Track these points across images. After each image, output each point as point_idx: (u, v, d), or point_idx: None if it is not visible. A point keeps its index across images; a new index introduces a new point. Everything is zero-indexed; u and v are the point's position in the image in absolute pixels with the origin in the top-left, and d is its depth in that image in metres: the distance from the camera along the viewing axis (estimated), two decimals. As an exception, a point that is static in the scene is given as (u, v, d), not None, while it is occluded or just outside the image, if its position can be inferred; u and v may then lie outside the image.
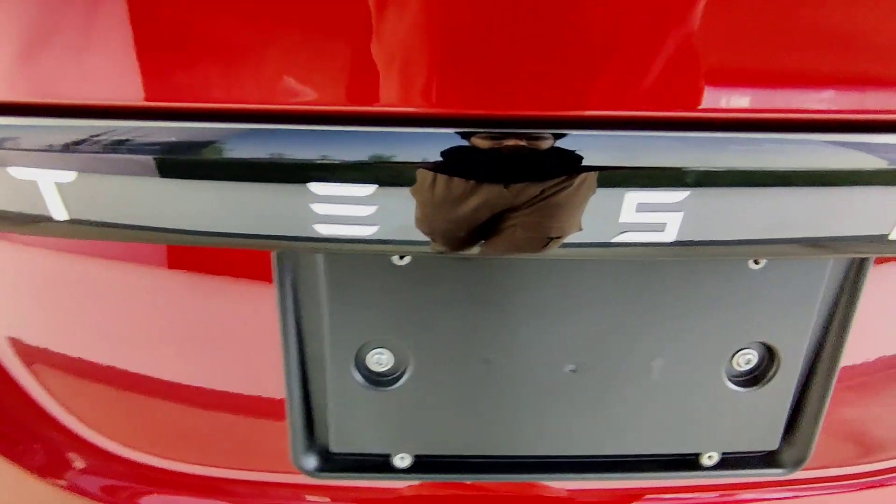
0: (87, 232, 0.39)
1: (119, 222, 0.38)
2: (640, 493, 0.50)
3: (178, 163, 0.36)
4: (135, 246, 0.43)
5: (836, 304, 0.41)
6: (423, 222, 0.36)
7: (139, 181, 0.36)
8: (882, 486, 0.48)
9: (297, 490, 0.49)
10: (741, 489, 0.49)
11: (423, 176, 0.34)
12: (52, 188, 0.36)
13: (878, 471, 0.48)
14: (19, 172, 0.36)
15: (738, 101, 0.36)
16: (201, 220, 0.38)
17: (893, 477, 0.48)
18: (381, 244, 0.37)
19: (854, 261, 0.40)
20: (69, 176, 0.36)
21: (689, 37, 0.34)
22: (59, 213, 0.37)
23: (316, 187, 0.35)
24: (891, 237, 0.35)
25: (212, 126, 0.37)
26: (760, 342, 0.43)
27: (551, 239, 0.36)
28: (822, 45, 0.35)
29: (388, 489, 0.48)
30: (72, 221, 0.37)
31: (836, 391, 0.44)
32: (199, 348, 0.47)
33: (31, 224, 0.38)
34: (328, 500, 0.50)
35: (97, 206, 0.38)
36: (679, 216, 0.34)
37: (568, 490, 0.49)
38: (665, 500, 0.50)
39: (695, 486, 0.48)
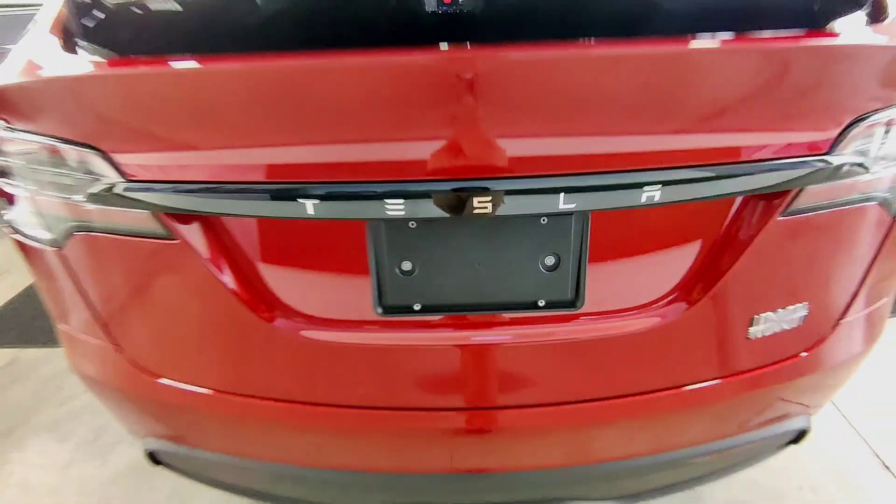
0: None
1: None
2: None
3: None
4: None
5: (581, 233, 0.79)
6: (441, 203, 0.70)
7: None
8: (629, 318, 0.87)
9: (379, 323, 0.87)
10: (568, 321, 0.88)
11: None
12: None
13: (625, 308, 0.88)
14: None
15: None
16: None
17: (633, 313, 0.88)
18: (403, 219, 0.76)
19: (584, 214, 0.78)
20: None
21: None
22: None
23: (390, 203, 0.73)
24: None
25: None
26: (554, 252, 0.81)
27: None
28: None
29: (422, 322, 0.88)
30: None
31: (591, 271, 0.83)
32: (335, 262, 0.86)
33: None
34: (393, 328, 0.89)
35: None
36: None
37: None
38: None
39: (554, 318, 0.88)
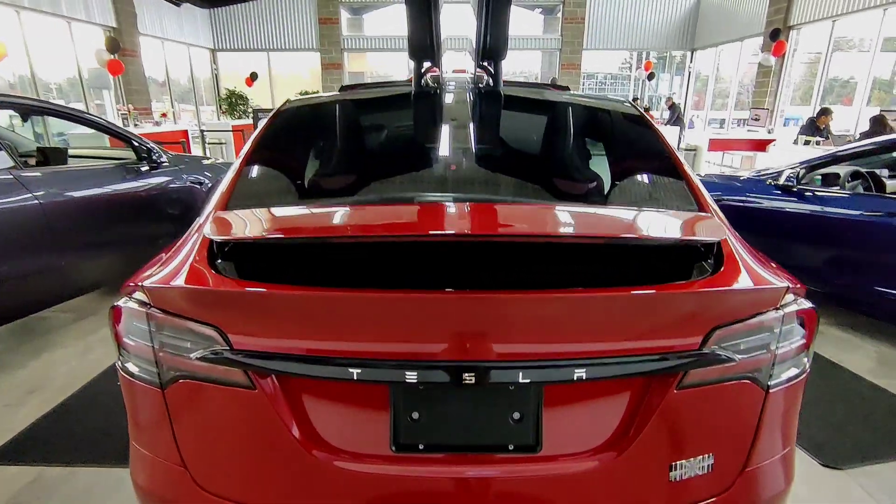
0: None
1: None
2: None
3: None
4: None
5: (538, 398, 1.10)
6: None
7: None
8: (577, 461, 1.14)
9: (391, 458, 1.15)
10: None
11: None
12: None
13: None
14: None
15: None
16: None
17: None
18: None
19: (539, 385, 1.09)
20: None
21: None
22: None
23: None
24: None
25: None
26: (519, 410, 1.10)
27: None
28: None
29: None
30: None
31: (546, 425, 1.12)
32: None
33: None
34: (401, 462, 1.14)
35: None
36: None
37: None
38: None
39: None
